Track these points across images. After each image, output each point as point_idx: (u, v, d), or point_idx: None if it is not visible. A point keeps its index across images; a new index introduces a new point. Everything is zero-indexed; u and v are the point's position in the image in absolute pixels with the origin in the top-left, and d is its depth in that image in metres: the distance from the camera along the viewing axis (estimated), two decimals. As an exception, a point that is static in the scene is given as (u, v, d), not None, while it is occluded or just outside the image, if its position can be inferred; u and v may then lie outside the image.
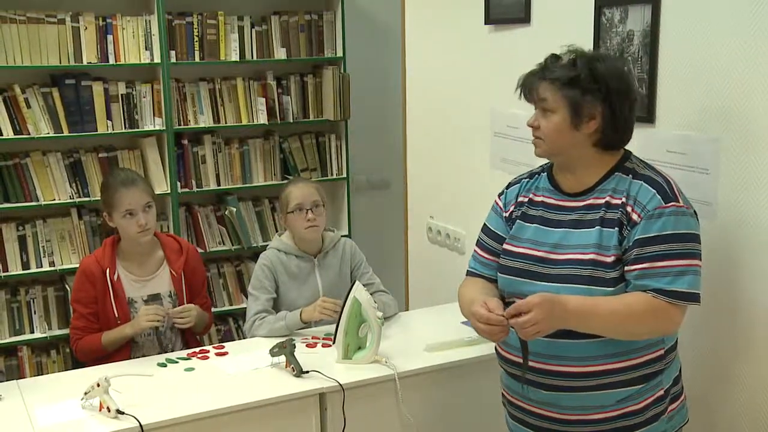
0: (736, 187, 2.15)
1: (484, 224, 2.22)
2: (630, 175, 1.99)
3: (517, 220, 2.10)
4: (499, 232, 2.15)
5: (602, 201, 1.98)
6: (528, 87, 2.01)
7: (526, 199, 2.11)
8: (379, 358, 2.60)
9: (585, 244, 1.96)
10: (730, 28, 2.12)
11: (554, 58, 2.00)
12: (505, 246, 2.10)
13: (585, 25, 2.55)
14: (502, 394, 2.19)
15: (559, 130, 1.97)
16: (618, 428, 1.98)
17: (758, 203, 2.10)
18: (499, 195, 2.22)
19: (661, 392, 2.00)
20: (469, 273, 2.22)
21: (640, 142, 2.39)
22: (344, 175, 4.42)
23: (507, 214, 2.14)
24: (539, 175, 2.15)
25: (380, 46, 4.54)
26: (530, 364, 1.97)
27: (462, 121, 3.32)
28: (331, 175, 4.41)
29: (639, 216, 1.92)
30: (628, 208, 1.94)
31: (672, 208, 1.91)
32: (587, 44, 2.52)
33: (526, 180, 2.17)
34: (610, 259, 1.93)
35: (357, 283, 2.68)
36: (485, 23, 3.07)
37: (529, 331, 1.83)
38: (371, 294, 2.78)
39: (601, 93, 1.93)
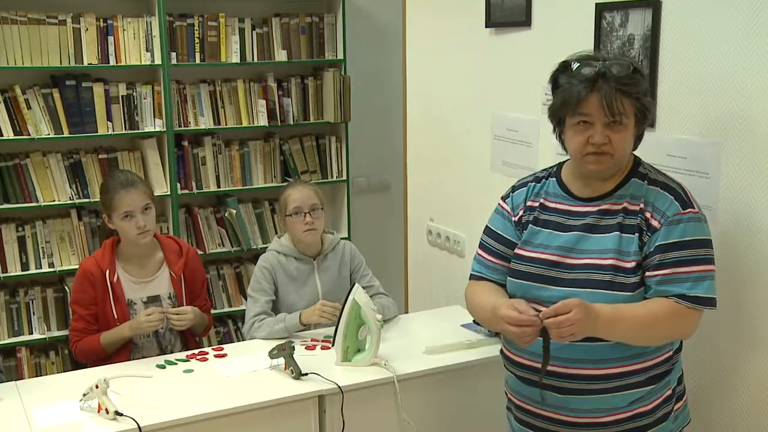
0: (737, 191, 2.15)
1: (489, 228, 2.18)
2: (645, 181, 2.01)
3: (529, 225, 2.08)
4: (508, 236, 2.12)
5: (620, 207, 1.99)
6: (611, 102, 1.89)
7: (537, 204, 2.09)
8: (379, 360, 2.59)
9: (603, 249, 1.96)
10: (730, 32, 2.12)
11: (602, 63, 1.92)
12: (517, 251, 2.08)
13: (586, 28, 2.54)
14: (509, 398, 2.17)
15: (628, 142, 1.97)
16: (629, 429, 1.99)
17: (759, 207, 2.10)
18: (504, 198, 2.19)
19: (669, 392, 2.03)
20: (474, 277, 2.19)
21: (641, 146, 2.39)
22: (344, 178, 4.42)
23: (516, 218, 2.12)
24: (546, 179, 2.13)
25: (381, 49, 4.54)
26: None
27: (462, 124, 3.31)
28: (332, 177, 4.41)
29: (659, 222, 1.94)
30: (647, 214, 1.95)
31: (690, 214, 1.94)
32: (588, 48, 2.51)
33: (533, 184, 2.14)
34: (630, 265, 1.94)
35: (356, 285, 2.68)
36: (486, 26, 3.06)
37: (566, 331, 1.82)
38: (371, 296, 2.78)
39: (652, 98, 1.99)
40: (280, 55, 4.19)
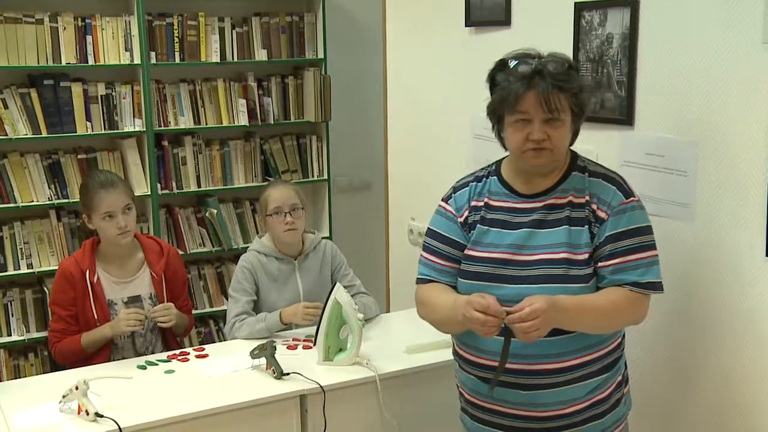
0: (714, 189, 2.17)
1: (433, 231, 2.16)
2: (586, 174, 2.05)
3: (477, 225, 2.08)
4: (455, 238, 2.11)
5: (565, 201, 2.02)
6: (548, 98, 1.92)
7: (482, 203, 2.10)
8: (360, 359, 2.60)
9: (555, 244, 1.99)
10: (707, 31, 2.14)
11: (538, 60, 1.98)
12: (467, 251, 2.08)
13: (565, 27, 2.56)
14: (466, 400, 2.16)
15: (566, 138, 2.01)
16: (589, 417, 2.04)
17: (735, 205, 2.12)
18: (445, 200, 2.17)
19: (620, 378, 2.11)
20: (422, 281, 2.16)
21: (619, 145, 2.41)
22: (325, 177, 4.42)
23: (462, 219, 2.11)
24: (487, 178, 2.14)
25: (361, 48, 4.54)
26: (509, 366, 1.98)
27: (443, 123, 3.32)
28: (312, 176, 4.41)
29: (606, 213, 1.99)
30: (594, 206, 2.00)
31: (632, 203, 2.01)
32: (567, 47, 2.54)
33: (474, 183, 2.15)
34: (582, 257, 1.98)
35: (338, 284, 2.68)
36: (466, 25, 3.08)
37: (533, 336, 1.86)
38: (352, 296, 2.78)
39: (585, 94, 2.02)
40: (260, 55, 4.18)
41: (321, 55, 4.28)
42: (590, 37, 2.48)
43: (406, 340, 2.75)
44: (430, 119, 3.40)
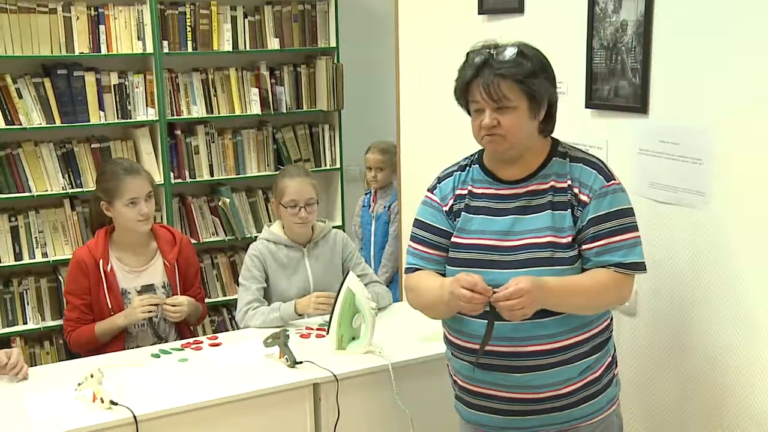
0: (730, 177, 2.15)
1: (420, 221, 2.18)
2: (567, 159, 2.07)
3: (462, 213, 2.10)
4: (442, 227, 2.13)
5: (547, 186, 2.05)
6: (488, 87, 1.96)
7: (466, 192, 2.12)
8: (373, 348, 2.60)
9: (539, 228, 2.02)
10: (723, 18, 2.12)
11: (492, 50, 1.99)
12: (454, 239, 2.10)
13: (578, 14, 2.54)
14: (461, 387, 2.17)
15: (520, 124, 2.01)
16: (582, 398, 2.07)
17: (751, 193, 2.10)
18: (431, 190, 2.20)
19: (610, 358, 2.14)
20: (411, 270, 2.18)
21: (633, 133, 2.40)
22: (338, 166, 4.42)
23: (447, 208, 2.14)
24: (470, 167, 2.16)
25: (374, 36, 4.53)
26: (501, 349, 2.01)
27: (455, 112, 3.27)
28: (325, 165, 4.41)
29: (588, 196, 2.02)
30: (575, 190, 2.03)
31: (614, 185, 2.04)
32: (581, 34, 2.52)
33: (458, 173, 2.17)
34: (566, 240, 2.01)
35: (351, 273, 2.68)
36: (479, 13, 3.06)
37: (518, 314, 1.90)
38: (365, 285, 2.78)
39: (547, 79, 2.02)
40: (273, 43, 4.18)
41: (333, 44, 4.27)
42: (604, 24, 2.46)
43: (418, 328, 2.75)
44: (443, 108, 3.38)
